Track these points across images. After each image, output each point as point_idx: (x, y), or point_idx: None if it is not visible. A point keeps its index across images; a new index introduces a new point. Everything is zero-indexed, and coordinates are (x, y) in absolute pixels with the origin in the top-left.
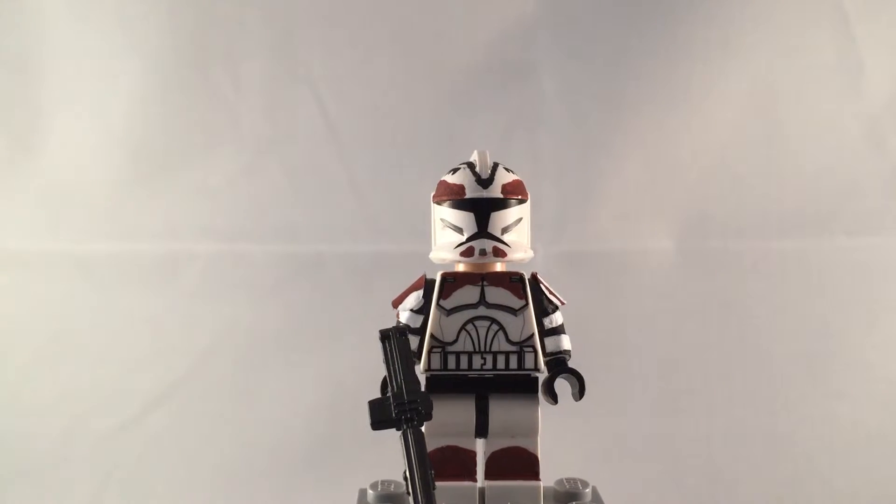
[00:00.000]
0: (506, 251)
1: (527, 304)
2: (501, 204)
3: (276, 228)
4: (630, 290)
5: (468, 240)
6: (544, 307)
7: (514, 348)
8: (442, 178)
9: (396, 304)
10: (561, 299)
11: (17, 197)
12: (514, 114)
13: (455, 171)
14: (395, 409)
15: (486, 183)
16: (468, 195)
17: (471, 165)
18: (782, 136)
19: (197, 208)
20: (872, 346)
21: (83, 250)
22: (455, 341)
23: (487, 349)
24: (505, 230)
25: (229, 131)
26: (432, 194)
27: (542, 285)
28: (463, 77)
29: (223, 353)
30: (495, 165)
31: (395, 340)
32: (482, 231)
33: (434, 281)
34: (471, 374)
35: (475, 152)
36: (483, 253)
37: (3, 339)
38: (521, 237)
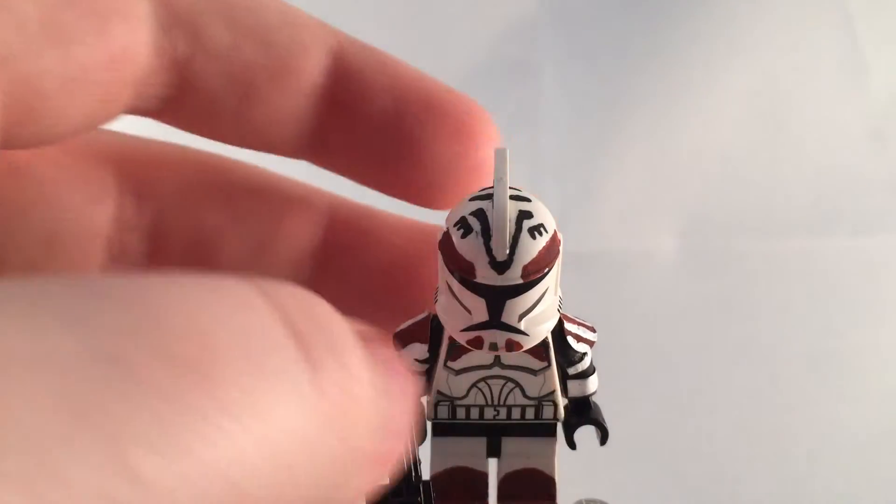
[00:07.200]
0: (522, 343)
1: (549, 365)
2: (521, 290)
3: None
4: (632, 290)
5: (477, 327)
6: (570, 358)
7: (531, 402)
8: (447, 231)
9: (400, 341)
10: (590, 339)
11: None
12: (514, 114)
13: (465, 231)
14: None
15: (502, 267)
16: (479, 279)
17: (484, 229)
18: (785, 135)
19: None
20: (877, 347)
21: None
22: (465, 396)
23: (501, 403)
24: (525, 314)
25: None
26: (438, 240)
27: (568, 336)
28: (463, 77)
29: None
30: (517, 231)
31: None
32: (494, 320)
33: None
34: (482, 422)
35: (493, 197)
36: (494, 347)
37: None
38: (545, 306)
